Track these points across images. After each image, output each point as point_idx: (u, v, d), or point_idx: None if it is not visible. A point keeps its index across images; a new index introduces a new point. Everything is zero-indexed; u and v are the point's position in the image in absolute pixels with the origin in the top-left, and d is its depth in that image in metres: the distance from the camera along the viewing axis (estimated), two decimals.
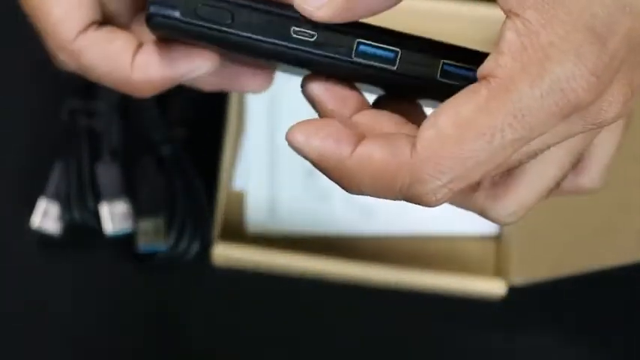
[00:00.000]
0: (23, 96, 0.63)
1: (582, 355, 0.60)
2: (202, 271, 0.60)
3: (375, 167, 0.29)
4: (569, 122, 0.28)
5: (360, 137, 0.30)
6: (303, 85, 0.33)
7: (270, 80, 0.38)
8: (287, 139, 0.31)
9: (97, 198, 0.58)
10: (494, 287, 0.59)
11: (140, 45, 0.35)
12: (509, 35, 0.28)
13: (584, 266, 0.55)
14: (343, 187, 0.30)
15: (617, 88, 0.28)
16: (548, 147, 0.30)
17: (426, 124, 0.28)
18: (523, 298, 0.59)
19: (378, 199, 0.65)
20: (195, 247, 0.59)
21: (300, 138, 0.30)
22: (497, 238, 0.62)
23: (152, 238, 0.58)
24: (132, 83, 0.35)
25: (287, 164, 0.62)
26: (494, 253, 0.62)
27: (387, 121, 0.31)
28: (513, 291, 0.59)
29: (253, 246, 0.59)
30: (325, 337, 0.60)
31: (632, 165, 0.51)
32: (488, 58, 0.28)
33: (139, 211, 0.59)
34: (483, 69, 0.28)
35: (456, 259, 0.61)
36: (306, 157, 0.31)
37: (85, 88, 0.60)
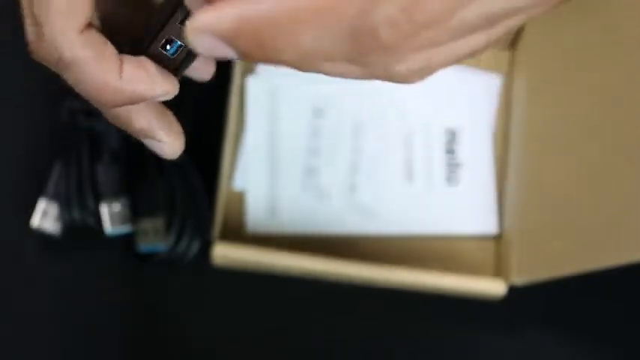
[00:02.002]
0: (23, 96, 0.63)
1: (582, 355, 0.60)
2: (202, 271, 0.60)
3: (314, 7, 0.27)
4: None
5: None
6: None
7: (180, 148, 0.39)
8: (190, 31, 0.29)
9: (97, 198, 0.58)
10: (494, 287, 0.59)
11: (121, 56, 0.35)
12: None
13: (584, 266, 0.55)
14: (273, 52, 0.28)
15: None
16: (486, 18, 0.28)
17: None
18: (523, 298, 0.59)
19: (379, 199, 0.65)
20: (195, 247, 0.59)
21: (209, 15, 0.29)
22: (497, 238, 0.62)
23: (152, 238, 0.58)
24: (115, 91, 0.34)
25: (287, 164, 0.62)
26: (494, 253, 0.62)
27: None
28: (513, 291, 0.59)
29: (253, 246, 0.59)
30: (325, 337, 0.60)
31: (632, 164, 0.51)
32: None
33: (139, 211, 0.59)
34: None
35: (456, 259, 0.62)
36: (221, 37, 0.29)
37: None
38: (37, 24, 0.34)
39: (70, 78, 0.35)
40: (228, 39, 0.29)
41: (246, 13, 0.28)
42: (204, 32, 0.29)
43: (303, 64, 0.29)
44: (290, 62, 0.29)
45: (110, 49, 0.35)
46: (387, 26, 0.27)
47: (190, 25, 0.29)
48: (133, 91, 0.35)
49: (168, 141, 0.38)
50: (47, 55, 0.35)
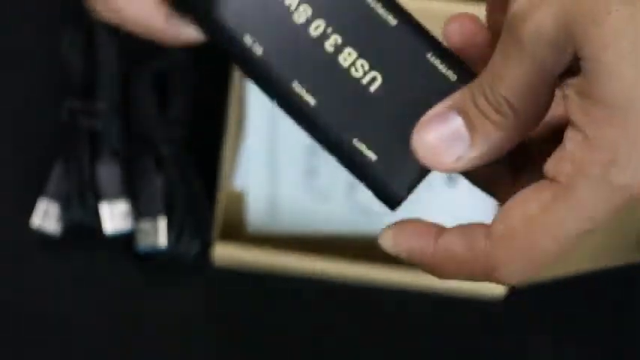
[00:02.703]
0: (23, 96, 0.63)
1: (582, 355, 0.60)
2: (202, 271, 0.60)
3: (455, 258, 0.32)
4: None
5: (440, 230, 0.33)
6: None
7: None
8: (379, 242, 0.35)
9: (97, 198, 0.58)
10: (494, 287, 0.59)
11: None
12: (571, 147, 0.29)
13: (584, 266, 0.55)
14: (434, 275, 0.34)
15: None
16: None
17: (497, 217, 0.31)
18: (523, 298, 0.59)
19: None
20: (195, 247, 0.59)
21: (388, 242, 0.34)
22: None
23: (152, 238, 0.58)
24: (163, 38, 0.38)
25: (287, 164, 0.62)
26: None
27: None
28: (513, 291, 0.59)
29: (253, 246, 0.59)
30: (325, 337, 0.60)
31: None
32: (553, 156, 0.30)
33: (138, 211, 0.59)
34: (547, 169, 0.30)
35: None
36: (399, 256, 0.34)
37: (85, 88, 0.60)
38: None
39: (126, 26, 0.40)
40: None
41: (411, 248, 0.34)
42: None
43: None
44: None
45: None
46: None
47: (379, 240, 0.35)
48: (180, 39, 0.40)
49: None
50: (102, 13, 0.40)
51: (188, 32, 0.40)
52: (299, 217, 0.62)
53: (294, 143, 0.62)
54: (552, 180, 0.30)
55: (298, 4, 0.31)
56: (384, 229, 0.34)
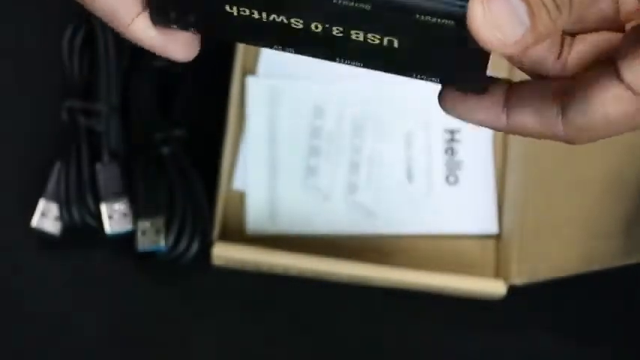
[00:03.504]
0: (23, 96, 0.63)
1: (582, 355, 0.60)
2: (202, 271, 0.60)
3: (529, 133, 0.35)
4: None
5: (506, 99, 0.35)
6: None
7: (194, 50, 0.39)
8: (441, 105, 0.35)
9: (97, 198, 0.58)
10: (494, 287, 0.59)
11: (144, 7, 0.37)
12: None
13: (584, 266, 0.55)
14: None
15: None
16: None
17: (573, 108, 0.33)
18: (523, 298, 0.59)
19: (379, 199, 0.65)
20: (195, 247, 0.59)
21: (452, 111, 0.35)
22: (497, 238, 0.62)
23: (152, 238, 0.58)
24: (125, 36, 0.37)
25: (287, 164, 0.62)
26: (494, 253, 0.62)
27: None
28: (513, 291, 0.59)
29: (253, 246, 0.59)
30: (325, 337, 0.60)
31: (633, 164, 0.51)
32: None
33: (138, 211, 0.59)
34: (637, 86, 0.32)
35: (456, 259, 0.61)
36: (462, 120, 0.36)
37: (85, 89, 0.60)
38: None
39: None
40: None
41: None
42: None
43: None
44: None
45: (124, 3, 0.36)
46: None
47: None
48: (140, 42, 0.37)
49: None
50: None
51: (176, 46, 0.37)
52: (298, 218, 0.62)
53: (294, 143, 0.62)
54: (637, 95, 0.32)
55: (289, 18, 0.32)
56: (442, 94, 0.35)
